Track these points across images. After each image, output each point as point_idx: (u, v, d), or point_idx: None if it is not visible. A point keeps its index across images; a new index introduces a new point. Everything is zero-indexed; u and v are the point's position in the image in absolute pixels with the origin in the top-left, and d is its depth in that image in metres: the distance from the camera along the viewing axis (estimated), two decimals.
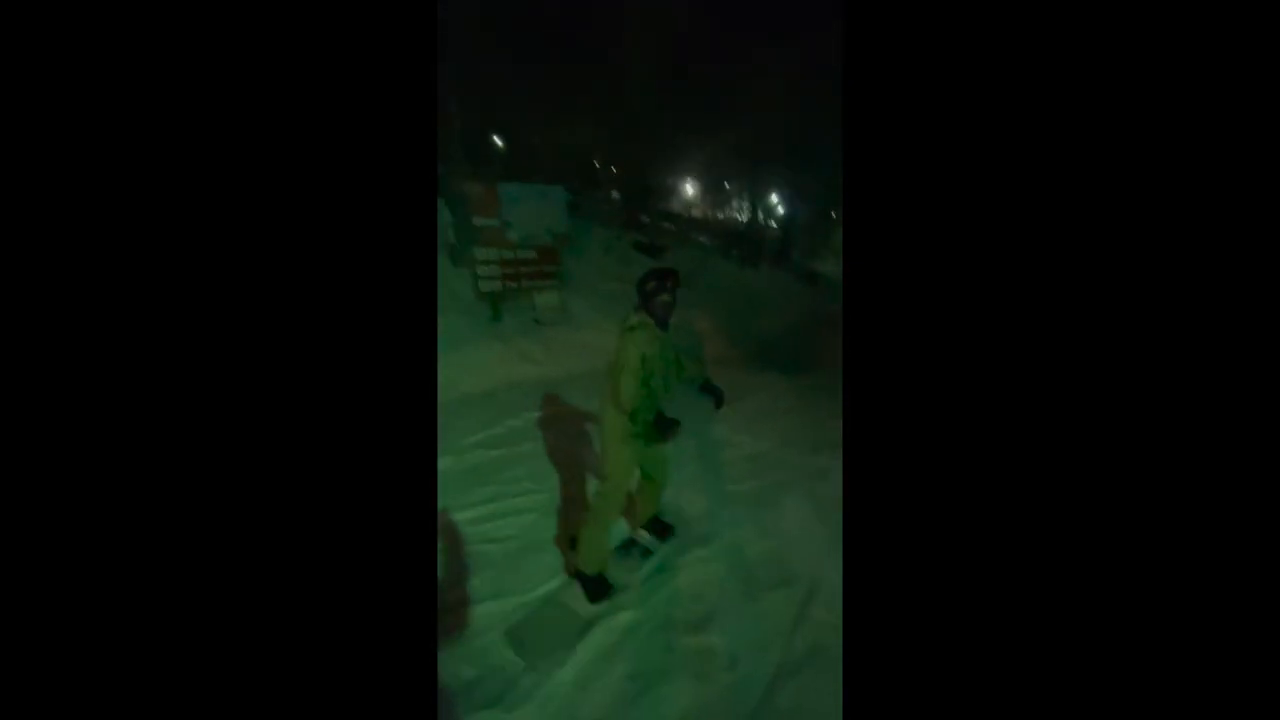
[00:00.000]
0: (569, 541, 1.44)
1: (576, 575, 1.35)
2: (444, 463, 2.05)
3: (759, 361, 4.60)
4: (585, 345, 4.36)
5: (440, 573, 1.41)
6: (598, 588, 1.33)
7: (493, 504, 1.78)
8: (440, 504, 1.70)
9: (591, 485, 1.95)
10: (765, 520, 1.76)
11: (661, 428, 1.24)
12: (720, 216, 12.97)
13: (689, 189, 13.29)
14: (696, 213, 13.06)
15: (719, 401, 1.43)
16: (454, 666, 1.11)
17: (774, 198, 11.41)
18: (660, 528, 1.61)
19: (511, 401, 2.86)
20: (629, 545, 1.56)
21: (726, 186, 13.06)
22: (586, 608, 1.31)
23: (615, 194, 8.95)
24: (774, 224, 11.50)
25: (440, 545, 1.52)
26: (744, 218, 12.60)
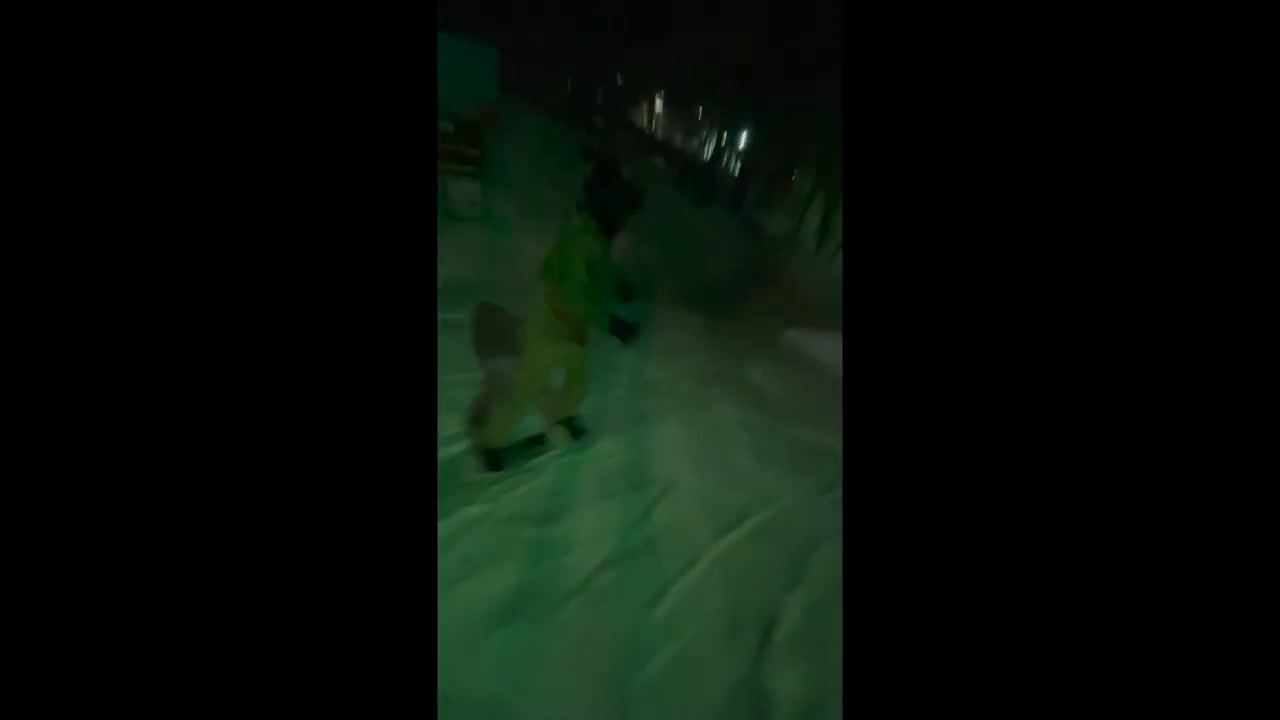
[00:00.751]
0: (477, 421, 1.54)
1: (478, 452, 1.44)
2: None
3: (684, 300, 4.62)
4: (504, 251, 3.90)
5: None
6: (494, 461, 1.43)
7: None
8: None
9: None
10: (640, 435, 1.83)
11: (622, 332, 1.26)
12: (681, 143, 12.07)
13: (656, 103, 11.96)
14: (658, 132, 11.95)
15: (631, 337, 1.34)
16: None
17: (741, 140, 10.84)
18: (575, 429, 1.66)
19: None
20: (536, 440, 1.60)
21: (698, 114, 12.02)
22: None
23: (569, 82, 7.68)
24: (734, 167, 11.06)
25: None
26: (706, 152, 11.89)
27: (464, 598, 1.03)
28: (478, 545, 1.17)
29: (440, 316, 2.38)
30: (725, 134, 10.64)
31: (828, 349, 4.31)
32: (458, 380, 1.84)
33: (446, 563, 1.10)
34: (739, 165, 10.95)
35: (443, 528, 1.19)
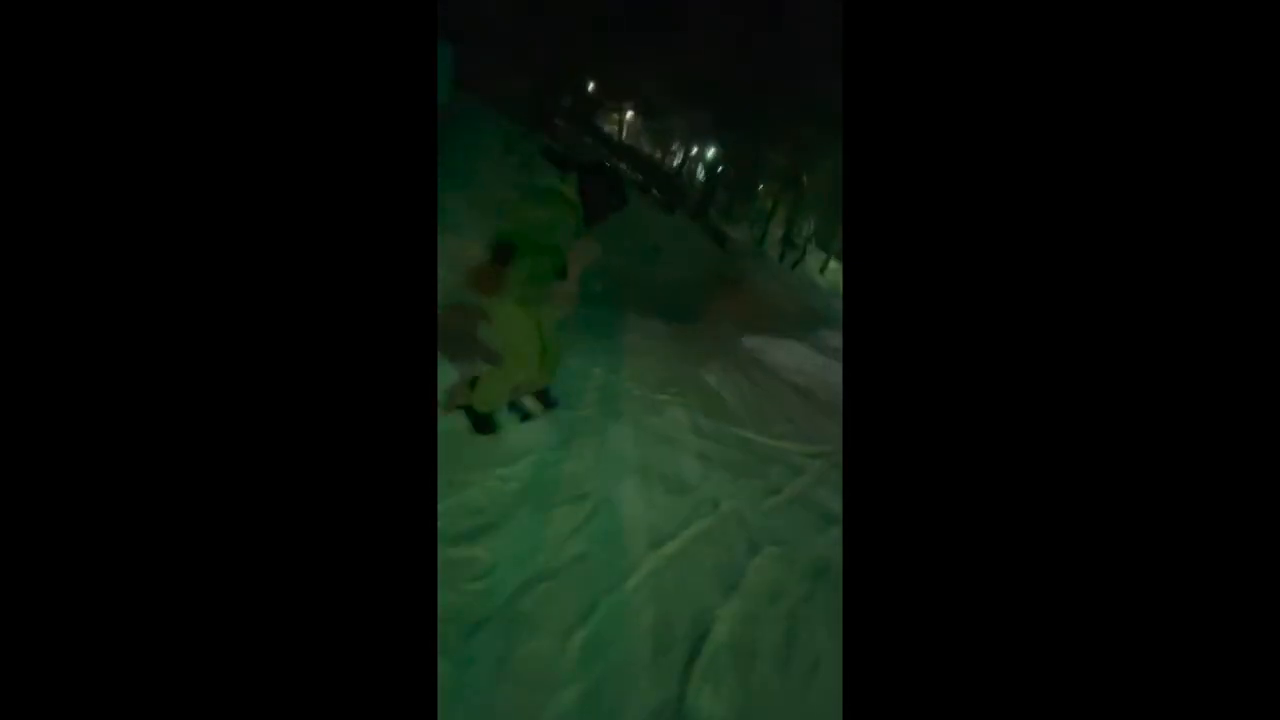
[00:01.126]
0: (469, 382, 1.54)
1: (466, 409, 1.48)
2: None
3: (644, 305, 4.60)
4: (457, 257, 3.72)
5: None
6: (484, 423, 1.49)
7: None
8: None
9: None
10: (585, 441, 1.75)
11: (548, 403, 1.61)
12: (647, 150, 12.20)
13: (623, 110, 12.06)
14: (623, 137, 12.03)
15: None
16: None
17: (710, 149, 11.10)
18: (548, 399, 1.75)
19: None
20: (511, 407, 1.68)
21: (664, 123, 12.22)
22: None
23: (532, 84, 7.57)
24: (701, 175, 11.30)
25: None
26: (674, 159, 12.09)
27: None
28: None
29: None
30: (691, 144, 10.87)
31: (786, 355, 4.41)
32: None
33: None
34: (705, 175, 11.19)
35: None
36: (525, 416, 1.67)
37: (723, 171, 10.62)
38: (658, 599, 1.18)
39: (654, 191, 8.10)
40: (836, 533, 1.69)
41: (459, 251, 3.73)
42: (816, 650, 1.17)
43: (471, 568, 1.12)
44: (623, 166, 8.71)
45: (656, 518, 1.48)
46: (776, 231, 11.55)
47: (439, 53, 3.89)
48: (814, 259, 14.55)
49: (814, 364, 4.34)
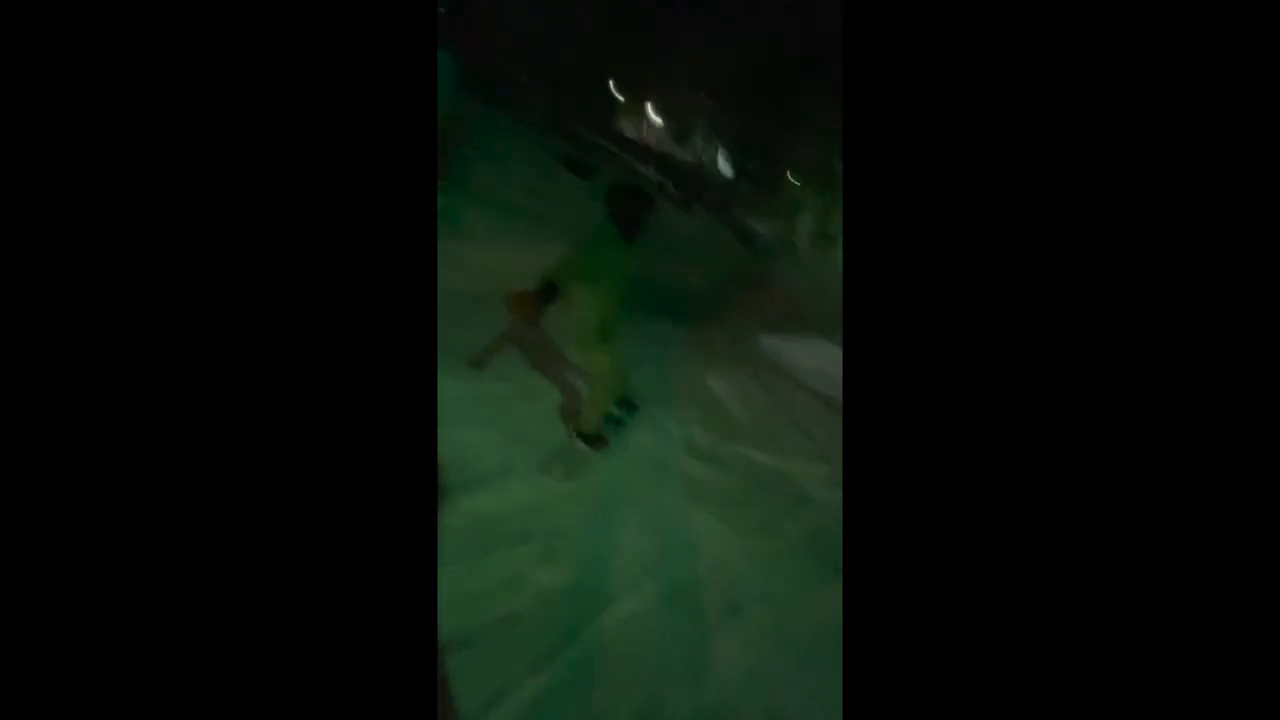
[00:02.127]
0: (573, 416, 1.78)
1: (578, 434, 1.68)
2: None
3: (657, 308, 4.36)
4: (469, 264, 3.67)
5: None
6: (596, 442, 1.69)
7: None
8: None
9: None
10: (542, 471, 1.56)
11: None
12: (665, 149, 11.91)
13: (640, 108, 11.86)
14: (641, 138, 11.83)
15: None
16: None
17: (730, 142, 10.68)
18: (629, 406, 1.93)
19: None
20: (614, 418, 1.85)
21: (684, 117, 11.90)
22: None
23: (547, 89, 7.56)
24: (722, 170, 10.88)
25: None
26: (691, 156, 11.74)
27: None
28: None
29: None
30: (714, 138, 10.48)
31: (806, 355, 4.01)
32: None
33: None
34: (728, 168, 10.76)
35: None
36: (619, 423, 1.86)
37: (747, 164, 10.15)
38: (596, 681, 0.96)
39: (670, 189, 7.83)
40: None
41: (474, 260, 3.70)
42: None
43: None
44: (640, 167, 8.51)
45: (618, 566, 1.26)
46: (807, 226, 10.90)
47: (441, 62, 3.90)
48: None
49: (840, 364, 3.89)
